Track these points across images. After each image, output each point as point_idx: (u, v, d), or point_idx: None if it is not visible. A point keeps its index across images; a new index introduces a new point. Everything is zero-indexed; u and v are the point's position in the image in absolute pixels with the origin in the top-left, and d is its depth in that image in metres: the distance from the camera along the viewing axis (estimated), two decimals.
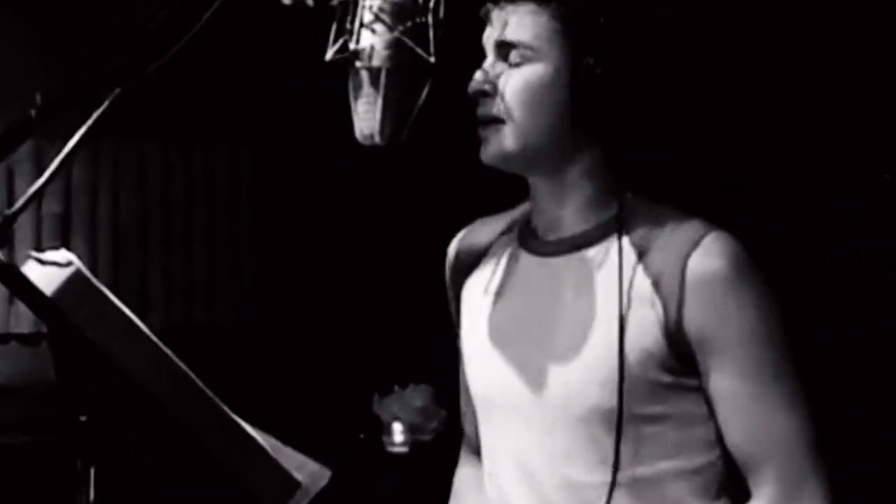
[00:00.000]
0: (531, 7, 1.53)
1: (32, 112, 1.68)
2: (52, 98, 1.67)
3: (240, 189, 4.25)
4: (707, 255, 1.48)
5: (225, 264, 4.27)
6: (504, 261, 1.67)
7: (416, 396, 3.87)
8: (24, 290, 1.19)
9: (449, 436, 3.93)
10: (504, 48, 1.55)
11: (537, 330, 1.57)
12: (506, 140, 1.56)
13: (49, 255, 1.34)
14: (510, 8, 1.54)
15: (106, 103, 1.37)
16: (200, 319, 4.26)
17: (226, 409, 1.20)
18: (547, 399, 1.54)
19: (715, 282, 1.48)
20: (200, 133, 4.10)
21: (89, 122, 1.38)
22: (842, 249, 4.15)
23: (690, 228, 1.51)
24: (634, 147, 1.59)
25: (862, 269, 4.19)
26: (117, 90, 1.38)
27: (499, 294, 1.65)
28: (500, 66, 1.56)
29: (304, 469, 1.32)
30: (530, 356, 1.57)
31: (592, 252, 1.56)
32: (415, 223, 4.15)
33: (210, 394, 1.20)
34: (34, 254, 1.36)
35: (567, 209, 1.59)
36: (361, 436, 3.88)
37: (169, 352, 1.21)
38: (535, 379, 1.55)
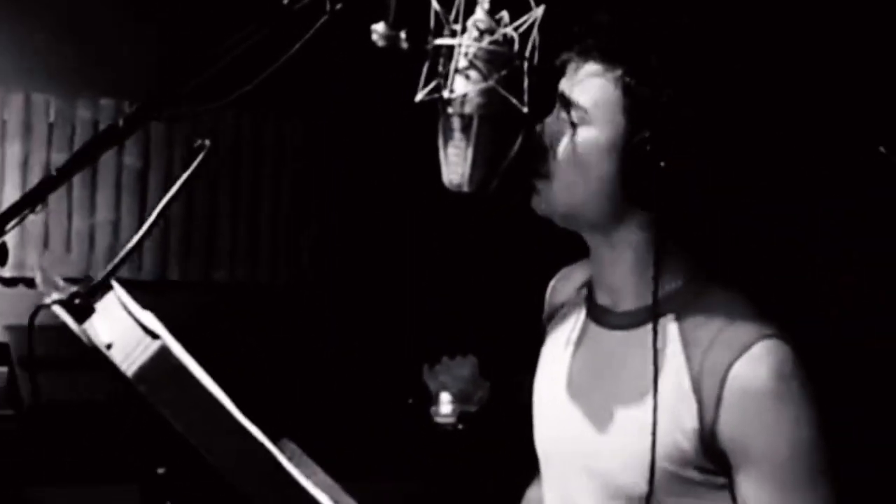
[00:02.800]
0: (598, 69, 1.40)
1: (120, 121, 1.61)
2: (138, 111, 1.62)
3: (307, 157, 4.17)
4: (752, 365, 1.34)
5: (288, 227, 4.20)
6: (578, 323, 1.56)
7: (464, 367, 3.79)
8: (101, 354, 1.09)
9: (493, 406, 3.86)
10: (566, 104, 1.42)
11: (586, 398, 1.47)
12: (551, 197, 1.44)
13: (134, 309, 1.23)
14: (580, 64, 1.42)
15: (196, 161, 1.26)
16: (263, 278, 4.19)
17: (294, 474, 1.09)
18: (587, 467, 1.45)
19: (756, 394, 1.34)
20: (273, 104, 4.00)
21: (183, 178, 1.27)
22: (833, 249, 4.03)
23: (742, 331, 1.37)
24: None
25: (853, 268, 4.07)
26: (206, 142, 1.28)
27: (564, 353, 1.55)
28: (561, 121, 1.43)
29: None
30: (579, 424, 1.47)
31: (639, 332, 1.43)
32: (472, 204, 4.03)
33: (295, 476, 1.08)
34: (122, 298, 1.26)
35: (620, 280, 1.47)
36: (410, 401, 3.80)
37: (254, 431, 1.09)
38: (581, 446, 1.46)
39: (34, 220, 3.86)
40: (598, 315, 1.50)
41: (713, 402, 1.34)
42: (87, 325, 1.20)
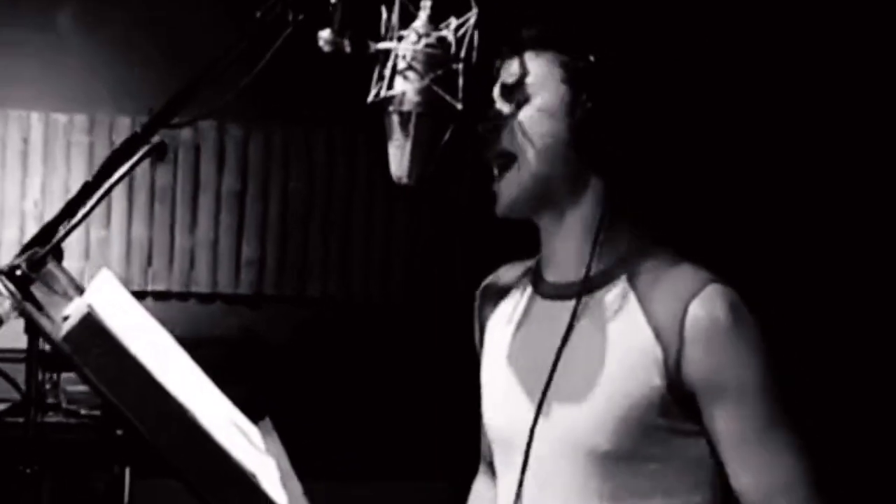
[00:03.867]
0: (530, 55, 1.51)
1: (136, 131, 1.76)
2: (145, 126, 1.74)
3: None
4: (707, 304, 1.43)
5: (379, 243, 4.35)
6: (522, 302, 1.64)
7: None
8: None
9: None
10: (507, 92, 1.53)
11: (545, 371, 1.53)
12: (519, 175, 1.53)
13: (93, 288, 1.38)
14: (515, 56, 1.53)
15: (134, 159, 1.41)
16: (355, 292, 4.35)
17: (218, 441, 1.20)
18: (551, 436, 1.51)
19: (714, 330, 1.43)
20: (365, 123, 4.17)
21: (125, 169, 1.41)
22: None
23: (690, 279, 1.46)
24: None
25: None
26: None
27: (515, 333, 1.63)
28: (505, 106, 1.53)
29: (293, 492, 1.34)
30: (537, 395, 1.53)
31: (597, 297, 1.52)
32: None
33: (206, 429, 1.20)
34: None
35: (572, 253, 1.54)
36: None
37: (175, 393, 1.22)
38: (543, 416, 1.52)
39: (139, 236, 4.15)
40: (548, 290, 1.58)
41: (676, 347, 1.43)
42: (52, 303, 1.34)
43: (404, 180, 1.50)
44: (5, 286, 1.28)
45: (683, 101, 1.49)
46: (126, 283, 4.15)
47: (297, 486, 1.40)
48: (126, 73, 4.13)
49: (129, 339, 1.26)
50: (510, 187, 1.54)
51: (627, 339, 1.47)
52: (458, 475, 1.94)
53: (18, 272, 1.30)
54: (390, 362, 4.31)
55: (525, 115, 1.51)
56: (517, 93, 1.52)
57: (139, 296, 4.21)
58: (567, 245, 1.55)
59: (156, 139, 1.51)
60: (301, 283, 4.32)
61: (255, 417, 1.69)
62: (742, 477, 1.45)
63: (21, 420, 2.62)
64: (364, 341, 4.33)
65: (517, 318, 1.63)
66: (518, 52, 1.52)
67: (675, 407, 1.45)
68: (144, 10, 4.19)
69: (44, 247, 1.58)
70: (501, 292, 1.69)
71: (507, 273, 1.72)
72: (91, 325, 1.22)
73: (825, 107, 4.25)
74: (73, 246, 4.09)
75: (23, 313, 1.25)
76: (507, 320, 1.65)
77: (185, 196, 4.24)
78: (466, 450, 1.85)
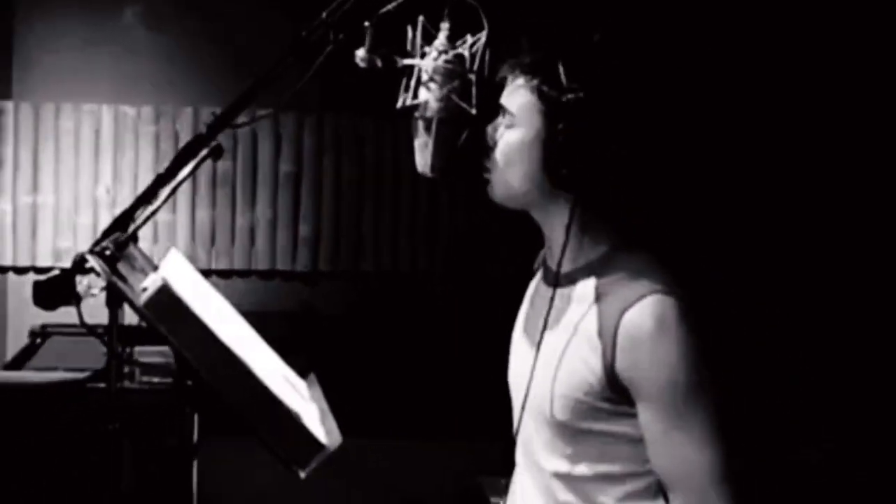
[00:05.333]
0: (521, 81, 1.72)
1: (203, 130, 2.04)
2: (213, 124, 2.02)
3: None
4: (638, 314, 1.62)
5: (425, 219, 4.60)
6: (537, 281, 1.91)
7: None
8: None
9: None
10: (502, 111, 1.76)
11: (531, 348, 1.80)
12: (495, 186, 1.78)
13: (165, 263, 1.67)
14: (511, 78, 1.75)
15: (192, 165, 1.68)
16: (404, 267, 4.61)
17: (268, 386, 1.49)
18: (531, 403, 1.78)
19: (641, 337, 1.63)
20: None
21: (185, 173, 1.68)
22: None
23: (636, 287, 1.65)
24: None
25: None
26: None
27: (528, 309, 1.90)
28: (499, 126, 1.76)
29: (331, 433, 1.62)
30: (525, 368, 1.81)
31: (574, 289, 1.76)
32: None
33: (257, 375, 1.48)
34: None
35: (559, 249, 1.77)
36: None
37: (230, 345, 1.50)
38: (524, 382, 1.79)
39: (202, 219, 4.45)
40: (547, 275, 1.86)
41: (610, 345, 1.65)
42: (134, 279, 1.63)
43: (427, 173, 1.78)
44: (98, 264, 1.57)
45: (663, 115, 1.69)
46: (191, 262, 4.46)
47: (332, 423, 1.68)
48: (188, 67, 4.42)
49: (196, 305, 1.55)
50: (494, 188, 1.78)
51: (582, 331, 1.70)
52: (504, 435, 2.18)
53: (108, 252, 1.58)
54: (437, 331, 4.58)
55: (507, 140, 1.73)
56: (507, 116, 1.74)
57: (204, 274, 4.48)
58: (553, 238, 1.79)
59: (214, 142, 1.80)
60: (355, 260, 4.60)
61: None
62: (655, 459, 1.69)
63: (103, 385, 2.94)
64: (413, 312, 4.59)
65: (530, 295, 1.91)
66: (514, 74, 1.74)
67: (614, 394, 1.68)
68: (205, 8, 4.47)
69: (122, 231, 1.87)
70: (535, 271, 1.95)
71: (542, 253, 1.95)
72: (166, 294, 1.51)
73: (807, 112, 4.47)
74: (142, 229, 4.39)
75: (113, 286, 1.54)
76: (528, 296, 1.93)
77: (244, 180, 4.52)
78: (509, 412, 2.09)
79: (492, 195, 1.80)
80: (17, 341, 4.12)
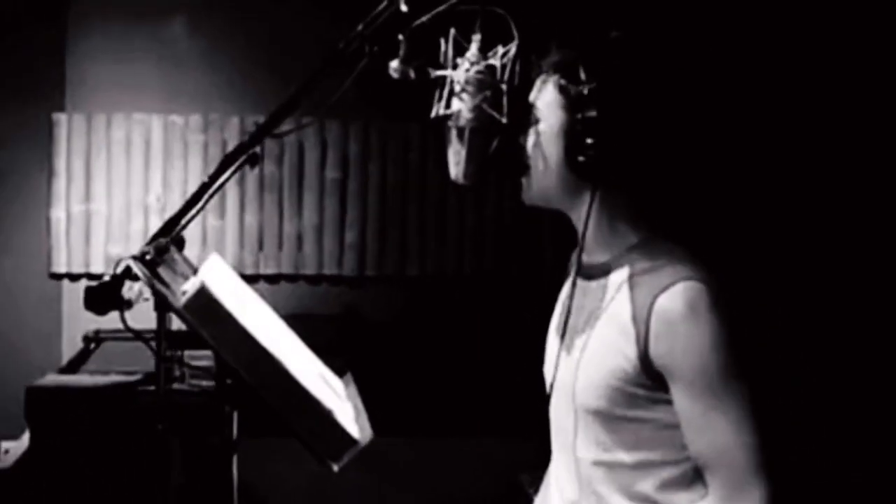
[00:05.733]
0: (545, 79, 1.81)
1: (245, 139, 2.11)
2: (255, 133, 2.10)
3: None
4: (670, 300, 1.69)
5: (472, 225, 4.66)
6: (571, 275, 1.97)
7: None
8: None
9: None
10: (532, 110, 1.83)
11: (568, 339, 1.86)
12: (528, 185, 1.86)
13: (205, 267, 1.74)
14: (539, 79, 1.83)
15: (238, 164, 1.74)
16: (449, 271, 4.67)
17: (303, 384, 1.55)
18: (566, 393, 1.84)
19: (673, 322, 1.69)
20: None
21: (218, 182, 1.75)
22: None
23: (668, 274, 1.72)
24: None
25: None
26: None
27: (561, 302, 1.97)
28: (527, 124, 1.84)
29: (364, 429, 1.68)
30: (560, 360, 1.87)
31: (606, 280, 1.82)
32: None
33: (291, 372, 1.55)
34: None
35: (590, 240, 1.85)
36: None
37: (273, 351, 1.56)
38: (562, 377, 1.86)
39: (250, 224, 4.54)
40: (580, 269, 1.91)
41: (644, 331, 1.71)
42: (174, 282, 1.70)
43: (460, 181, 1.84)
44: (138, 269, 1.64)
45: (681, 110, 1.74)
46: (240, 267, 4.57)
47: (365, 420, 1.74)
48: (235, 77, 4.51)
49: (234, 307, 1.62)
50: (526, 190, 1.87)
51: (616, 320, 1.76)
52: (540, 431, 2.23)
53: (148, 257, 1.66)
54: (481, 335, 4.64)
55: (534, 136, 1.82)
56: (535, 113, 1.82)
57: (252, 279, 4.60)
58: (584, 235, 1.85)
59: (251, 151, 1.87)
60: (400, 264, 4.66)
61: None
62: (692, 444, 1.74)
63: (153, 387, 3.03)
64: (458, 316, 4.65)
65: (566, 291, 1.97)
66: (542, 74, 1.83)
67: (648, 380, 1.73)
68: (253, 20, 4.56)
69: (167, 237, 1.95)
70: (569, 269, 2.01)
71: (575, 251, 2.02)
72: (204, 296, 1.58)
73: (823, 107, 4.50)
74: (191, 234, 4.47)
75: (153, 289, 1.62)
76: (563, 293, 1.99)
77: (291, 186, 4.59)
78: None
79: (524, 197, 1.88)
80: (72, 346, 4.21)
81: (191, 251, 4.46)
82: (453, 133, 1.84)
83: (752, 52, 4.48)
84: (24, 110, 4.44)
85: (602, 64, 1.75)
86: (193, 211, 1.99)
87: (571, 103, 1.76)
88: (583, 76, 1.74)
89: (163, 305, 1.64)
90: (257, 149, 1.89)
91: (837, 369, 4.37)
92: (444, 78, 1.84)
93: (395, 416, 4.13)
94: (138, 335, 1.72)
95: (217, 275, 1.75)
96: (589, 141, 1.73)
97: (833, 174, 4.52)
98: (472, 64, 1.82)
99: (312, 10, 4.48)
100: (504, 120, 1.81)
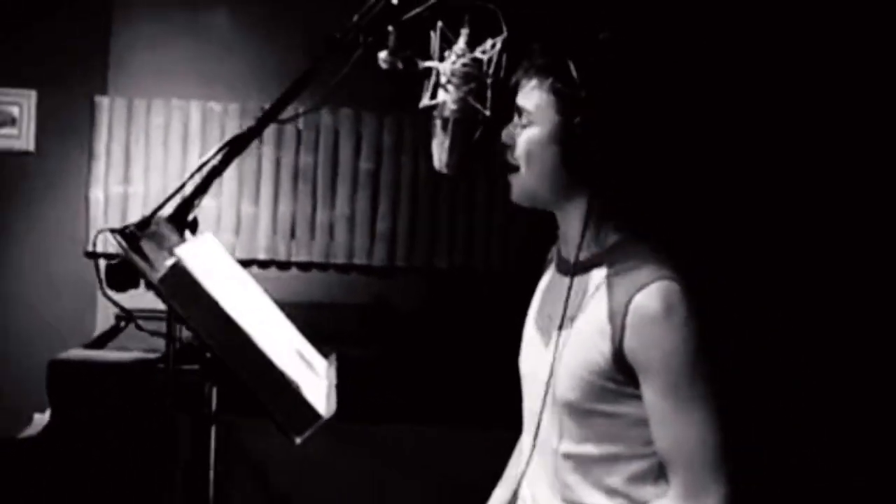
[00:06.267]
0: (536, 82, 1.81)
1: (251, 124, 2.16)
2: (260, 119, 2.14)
3: None
4: (646, 298, 1.72)
5: (501, 218, 4.71)
6: (550, 271, 2.02)
7: None
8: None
9: None
10: (518, 112, 1.85)
11: (545, 332, 1.90)
12: (517, 185, 1.88)
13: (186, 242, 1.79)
14: (525, 80, 1.84)
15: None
16: (478, 264, 4.71)
17: (271, 358, 1.60)
18: (541, 387, 1.87)
19: (648, 320, 1.72)
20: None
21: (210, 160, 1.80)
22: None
23: (644, 273, 1.75)
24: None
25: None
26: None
27: (542, 296, 2.01)
28: (518, 124, 1.85)
29: (330, 400, 1.73)
30: (538, 351, 1.91)
31: (586, 277, 1.85)
32: None
33: (260, 347, 1.60)
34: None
35: (573, 239, 1.87)
36: None
37: (237, 320, 1.62)
38: (538, 369, 1.89)
39: (284, 212, 4.61)
40: (560, 265, 1.95)
41: (619, 327, 1.75)
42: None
43: (443, 170, 1.89)
44: (117, 241, 1.69)
45: (673, 111, 1.77)
46: (272, 253, 4.65)
47: (333, 399, 1.79)
48: (273, 67, 4.58)
49: (208, 282, 1.66)
50: (514, 190, 1.89)
51: (594, 316, 1.80)
52: None
53: (128, 231, 1.71)
54: (508, 326, 4.67)
55: (526, 137, 1.83)
56: (524, 115, 1.83)
57: (284, 266, 4.69)
58: (569, 231, 1.89)
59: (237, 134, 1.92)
60: (429, 256, 4.72)
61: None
62: (657, 441, 1.77)
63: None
64: (485, 308, 4.69)
65: (545, 285, 2.01)
66: (529, 76, 1.83)
67: (620, 375, 1.77)
68: (292, 9, 4.63)
69: (182, 217, 1.99)
70: (548, 262, 2.06)
71: (555, 247, 2.06)
72: (179, 271, 1.63)
73: (812, 103, 4.50)
74: (225, 221, 4.59)
75: (130, 262, 1.67)
76: (542, 286, 2.03)
77: (325, 176, 4.67)
78: None
79: (513, 196, 1.90)
80: (105, 324, 4.32)
81: (224, 237, 4.57)
82: (437, 123, 1.88)
83: (736, 52, 4.49)
84: (68, 93, 4.56)
85: (596, 66, 1.76)
86: (184, 190, 2.03)
87: (567, 106, 1.77)
88: (576, 79, 1.75)
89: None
90: (246, 133, 1.94)
91: (838, 371, 4.36)
92: (427, 71, 1.89)
93: (420, 404, 4.18)
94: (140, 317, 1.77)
95: (199, 252, 1.81)
96: (588, 144, 1.76)
97: (824, 173, 4.53)
98: (459, 57, 1.87)
99: (352, 1, 4.54)
100: (487, 112, 1.85)
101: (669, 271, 1.76)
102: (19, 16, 4.51)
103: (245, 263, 4.65)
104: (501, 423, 4.49)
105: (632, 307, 1.74)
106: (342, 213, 4.68)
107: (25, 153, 4.57)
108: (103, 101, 4.55)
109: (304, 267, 4.72)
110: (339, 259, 4.70)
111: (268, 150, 4.62)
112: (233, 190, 4.60)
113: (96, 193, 4.54)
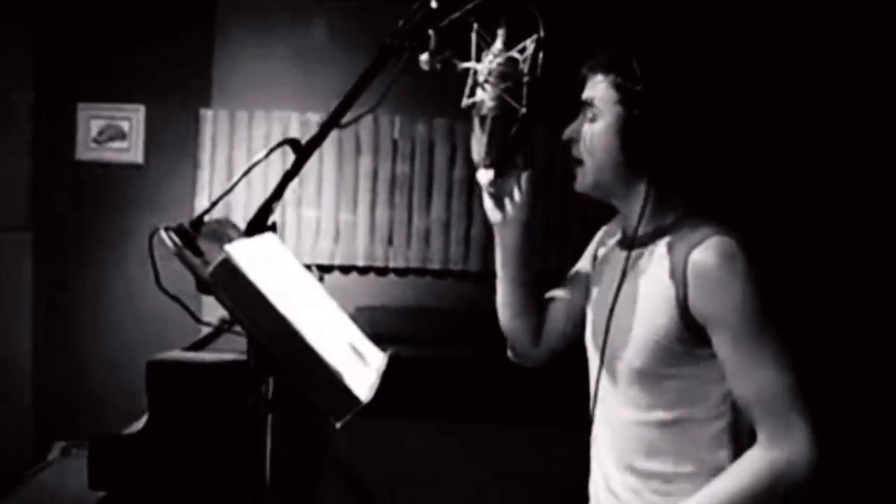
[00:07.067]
0: (600, 77, 1.91)
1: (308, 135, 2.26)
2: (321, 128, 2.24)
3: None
4: (703, 252, 1.80)
5: (593, 221, 4.69)
6: (613, 247, 2.09)
7: None
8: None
9: None
10: (584, 106, 1.95)
11: (610, 302, 1.95)
12: (584, 176, 1.98)
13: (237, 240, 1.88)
14: (590, 76, 1.94)
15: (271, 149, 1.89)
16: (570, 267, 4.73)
17: (315, 349, 1.67)
18: (608, 357, 1.94)
19: (707, 272, 1.79)
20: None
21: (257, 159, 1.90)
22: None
23: (700, 232, 1.84)
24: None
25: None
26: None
27: (601, 271, 2.08)
28: (582, 120, 1.95)
29: (372, 387, 1.80)
30: (603, 318, 1.97)
31: (646, 249, 1.93)
32: None
33: (304, 337, 1.67)
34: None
35: (635, 220, 1.94)
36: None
37: (284, 312, 1.68)
38: (602, 336, 1.95)
39: (381, 220, 4.72)
40: (623, 241, 2.03)
41: (682, 286, 1.82)
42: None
43: (482, 164, 1.96)
44: (170, 238, 1.78)
45: (726, 105, 1.83)
46: (370, 260, 4.77)
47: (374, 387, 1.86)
48: None
49: (259, 277, 1.73)
50: (580, 182, 1.99)
51: (658, 283, 1.87)
52: None
53: (181, 229, 1.80)
54: None
55: (590, 130, 1.94)
56: (588, 110, 1.94)
57: (382, 272, 4.80)
58: (630, 217, 1.97)
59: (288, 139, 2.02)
60: (465, 259, 4.78)
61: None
62: (737, 389, 1.82)
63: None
64: None
65: (607, 259, 2.09)
66: (593, 73, 1.93)
67: (689, 335, 1.83)
68: (388, 21, 4.74)
69: (261, 221, 2.07)
70: (609, 237, 2.14)
71: (613, 224, 2.15)
72: (227, 267, 1.70)
73: (843, 103, 4.51)
74: (325, 228, 4.73)
75: (181, 257, 1.76)
76: (603, 260, 2.11)
77: (421, 184, 4.78)
78: None
79: (579, 185, 2.00)
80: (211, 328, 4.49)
81: (324, 245, 4.69)
82: (476, 121, 1.95)
83: (775, 49, 4.50)
84: (174, 107, 4.76)
85: (655, 63, 1.86)
86: (225, 190, 2.10)
87: (628, 100, 1.87)
88: (638, 74, 1.84)
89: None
90: (298, 137, 2.02)
91: (838, 371, 4.28)
92: (466, 71, 1.96)
93: (513, 406, 4.24)
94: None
95: (252, 249, 1.87)
96: (646, 134, 1.85)
97: (858, 172, 4.52)
98: (496, 56, 1.93)
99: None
100: (524, 108, 1.92)
101: (725, 229, 1.84)
102: (127, 36, 4.73)
103: (344, 269, 4.80)
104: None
105: (690, 263, 1.81)
106: (437, 220, 4.79)
107: (135, 165, 4.79)
108: (207, 114, 4.74)
109: (402, 272, 4.84)
110: (435, 265, 4.82)
111: (365, 161, 4.74)
112: (332, 199, 4.74)
113: (201, 201, 4.73)
